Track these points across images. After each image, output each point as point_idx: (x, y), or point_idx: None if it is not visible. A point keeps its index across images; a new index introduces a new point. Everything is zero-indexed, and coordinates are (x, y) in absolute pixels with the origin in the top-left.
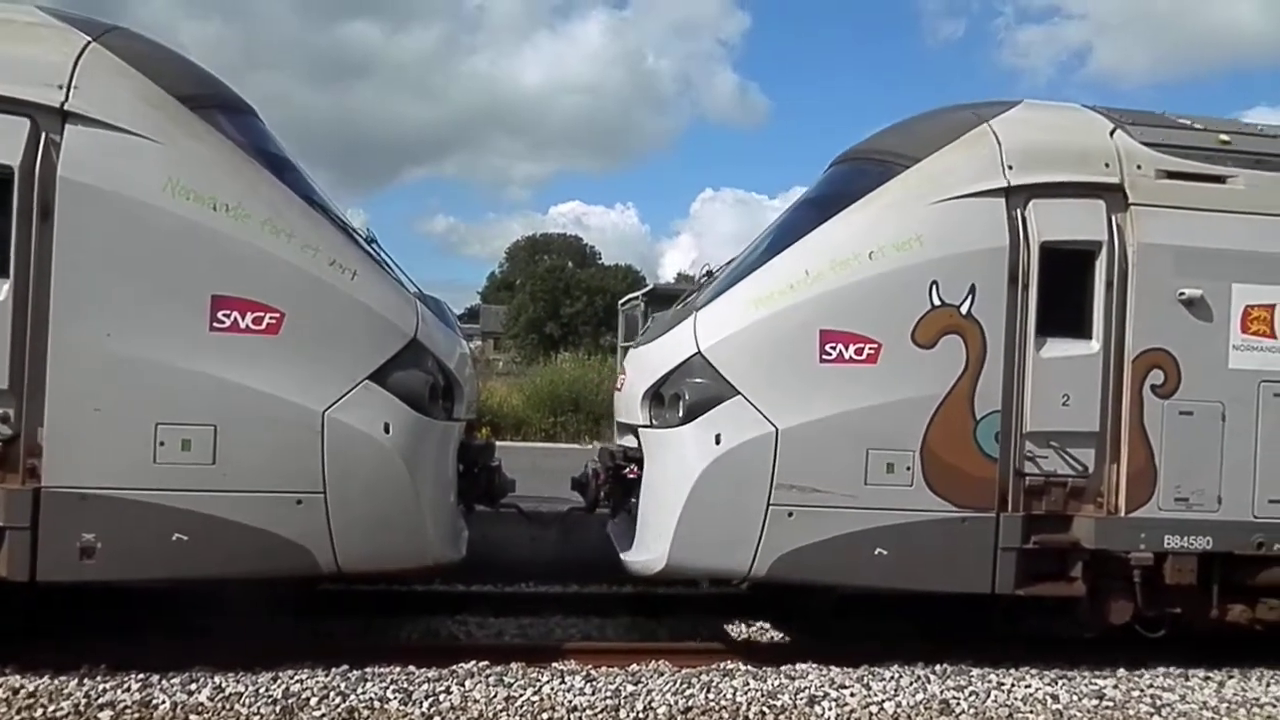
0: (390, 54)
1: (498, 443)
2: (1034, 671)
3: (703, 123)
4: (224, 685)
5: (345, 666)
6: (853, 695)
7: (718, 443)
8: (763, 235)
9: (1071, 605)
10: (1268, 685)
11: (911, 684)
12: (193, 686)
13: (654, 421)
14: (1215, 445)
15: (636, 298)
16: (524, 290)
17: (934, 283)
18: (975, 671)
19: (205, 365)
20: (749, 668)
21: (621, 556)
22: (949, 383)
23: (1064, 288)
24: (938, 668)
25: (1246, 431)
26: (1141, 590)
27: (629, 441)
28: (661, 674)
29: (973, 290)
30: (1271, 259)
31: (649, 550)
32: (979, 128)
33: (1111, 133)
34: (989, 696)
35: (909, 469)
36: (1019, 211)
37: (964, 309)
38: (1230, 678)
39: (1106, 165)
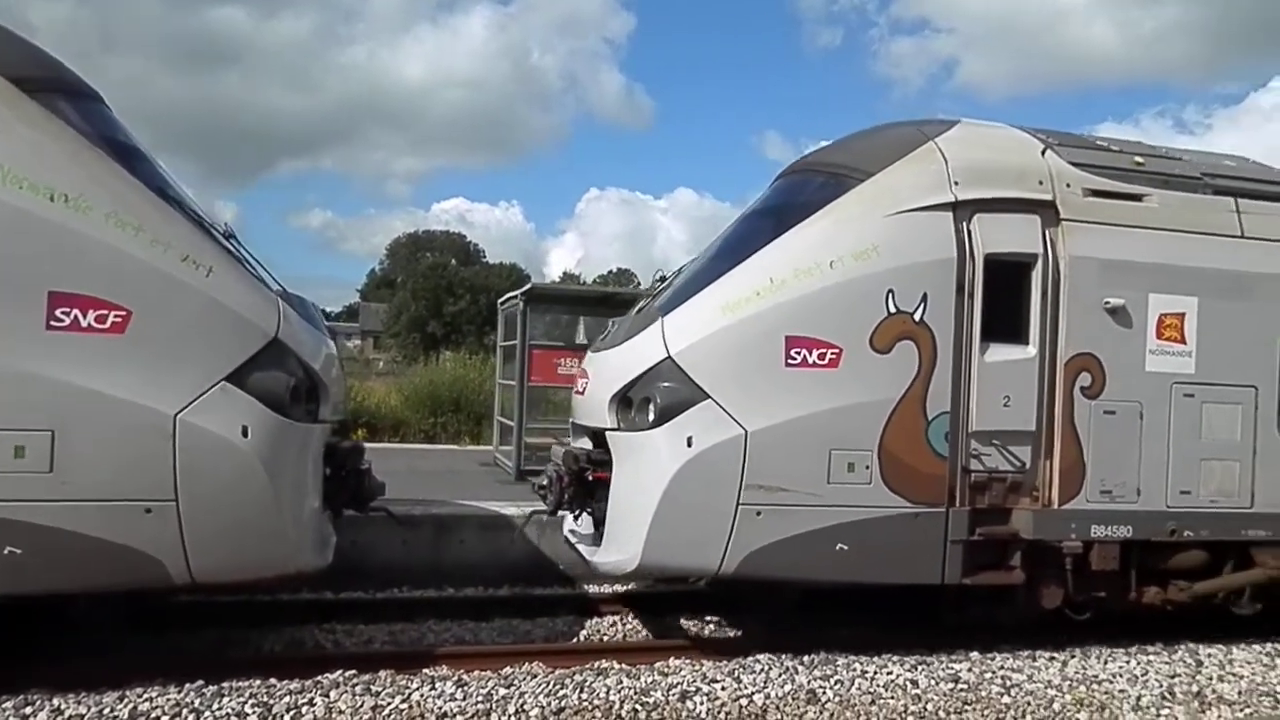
0: (261, 41)
1: (375, 445)
2: (896, 658)
3: (589, 122)
4: (63, 707)
5: (200, 682)
6: (723, 689)
7: (689, 445)
8: (717, 242)
9: (1010, 593)
10: (1105, 663)
11: (780, 676)
12: (28, 710)
13: (622, 425)
14: (1135, 442)
15: (515, 297)
16: (405, 288)
17: (890, 291)
18: (841, 661)
19: (40, 366)
20: (623, 666)
21: (588, 558)
22: (904, 386)
23: (1004, 297)
24: (806, 659)
25: (1161, 429)
26: (1072, 577)
27: (585, 444)
28: (535, 675)
29: (925, 298)
30: (1181, 271)
31: (620, 551)
32: (926, 145)
33: (1043, 152)
34: (853, 684)
35: (868, 468)
36: (965, 225)
37: (917, 316)
38: (1073, 657)
39: (1040, 183)
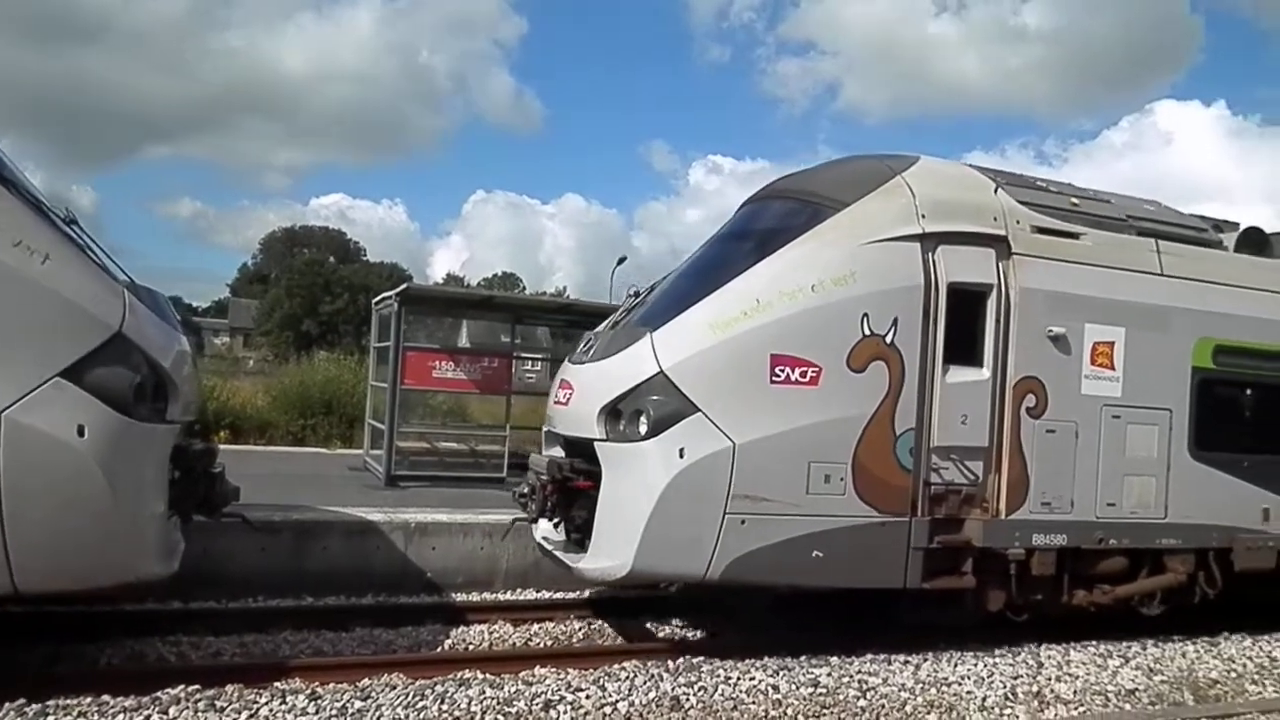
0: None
1: (238, 447)
2: (759, 664)
3: (478, 123)
4: None
5: (22, 701)
6: (588, 697)
7: (681, 456)
8: (695, 261)
9: (960, 596)
10: (954, 666)
11: (645, 683)
12: None
13: (610, 436)
14: (1070, 458)
15: (390, 298)
16: (280, 284)
17: (865, 314)
18: (706, 667)
19: None
20: (486, 675)
21: (572, 565)
22: (875, 403)
23: (963, 323)
24: (671, 664)
25: (1092, 447)
26: (1015, 581)
27: (558, 452)
28: (394, 687)
29: (895, 322)
30: (1112, 304)
31: (610, 557)
32: (895, 179)
33: (995, 191)
34: (716, 690)
35: (842, 480)
36: (930, 255)
37: (888, 339)
38: (925, 661)
39: (995, 219)
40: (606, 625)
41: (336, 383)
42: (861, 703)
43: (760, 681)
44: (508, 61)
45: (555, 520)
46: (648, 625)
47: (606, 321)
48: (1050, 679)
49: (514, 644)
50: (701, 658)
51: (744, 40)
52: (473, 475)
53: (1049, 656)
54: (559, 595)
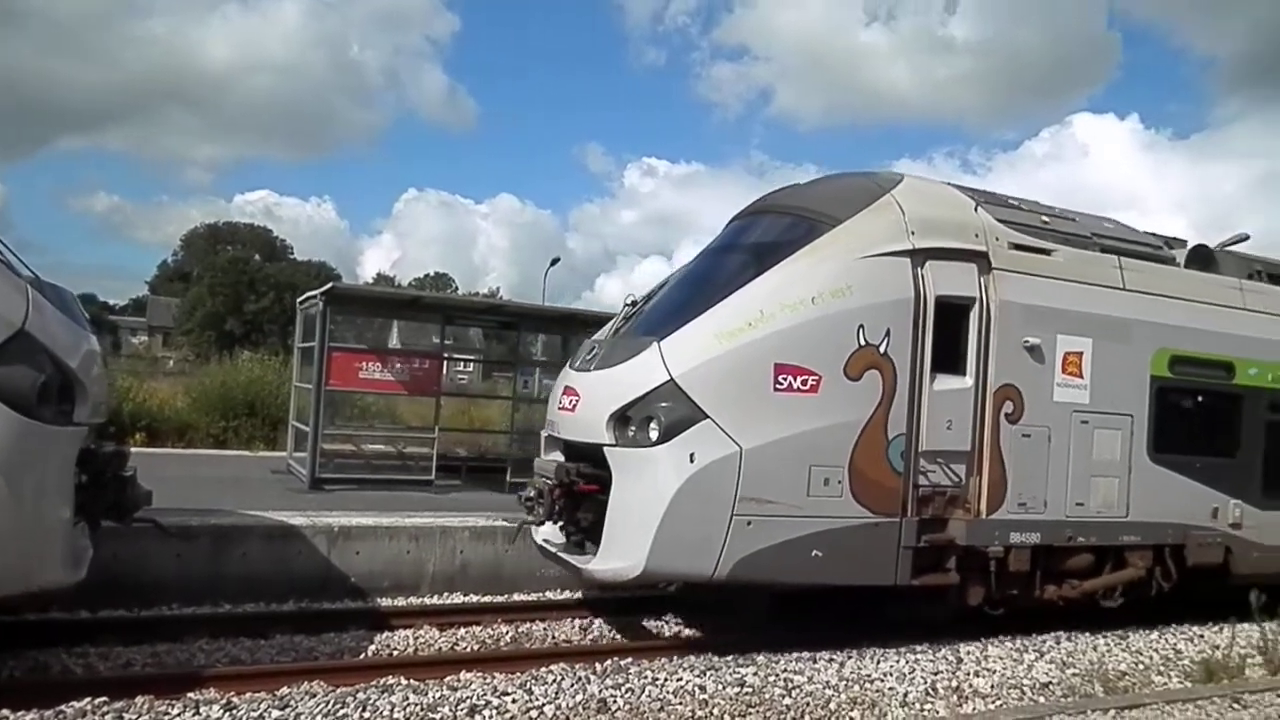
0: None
1: (155, 450)
2: (687, 664)
3: (410, 120)
4: None
5: None
6: (514, 702)
7: (692, 461)
8: (693, 272)
9: (944, 592)
10: (877, 663)
11: (572, 686)
12: None
13: (619, 441)
14: (1044, 461)
15: (315, 297)
16: (202, 282)
17: (860, 326)
18: (634, 669)
19: None
20: (410, 681)
21: (581, 566)
22: (870, 410)
23: (948, 334)
24: (598, 666)
25: (1063, 450)
26: (994, 577)
27: (557, 456)
28: (314, 695)
29: (888, 333)
30: (1081, 316)
31: (622, 559)
32: (885, 197)
33: (975, 209)
34: (644, 692)
35: (840, 482)
36: (919, 270)
37: (882, 349)
38: (850, 658)
39: (976, 235)
40: (534, 628)
41: (260, 383)
42: (787, 701)
43: (687, 682)
44: (441, 58)
45: (560, 523)
46: (577, 626)
47: (606, 329)
48: (969, 674)
49: (440, 649)
50: (630, 659)
51: (679, 44)
52: (401, 478)
53: (968, 652)
54: (486, 599)
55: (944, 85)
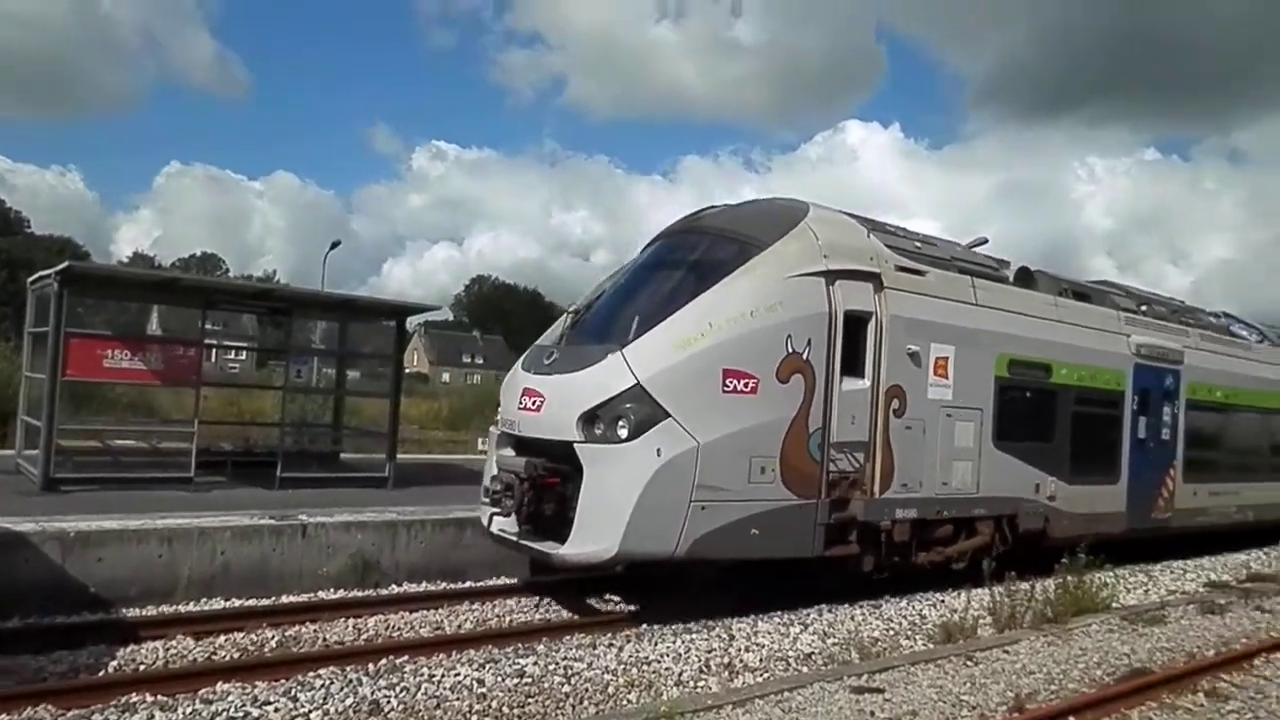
0: None
1: None
2: (465, 658)
3: (173, 87)
4: None
5: None
6: (277, 710)
7: (658, 455)
8: (632, 284)
9: (846, 561)
10: (655, 645)
11: (342, 689)
12: None
13: (587, 438)
14: (920, 449)
15: (48, 277)
16: None
17: (789, 336)
18: (410, 667)
19: None
20: (158, 697)
21: (554, 552)
22: (795, 408)
23: (852, 342)
24: (371, 667)
25: (934, 439)
26: (884, 548)
27: (509, 452)
28: None
29: (809, 342)
30: (947, 328)
31: (595, 543)
32: (801, 224)
33: (868, 235)
34: (419, 690)
35: (773, 470)
36: (831, 288)
37: (804, 355)
38: (629, 641)
39: (871, 259)
40: (304, 631)
41: None
42: (566, 689)
43: (465, 676)
44: (209, 22)
45: (519, 514)
46: (351, 627)
47: (551, 334)
48: (740, 650)
49: (195, 659)
50: (406, 656)
51: (471, 26)
52: (155, 476)
53: (739, 629)
54: (250, 603)
55: (730, 85)
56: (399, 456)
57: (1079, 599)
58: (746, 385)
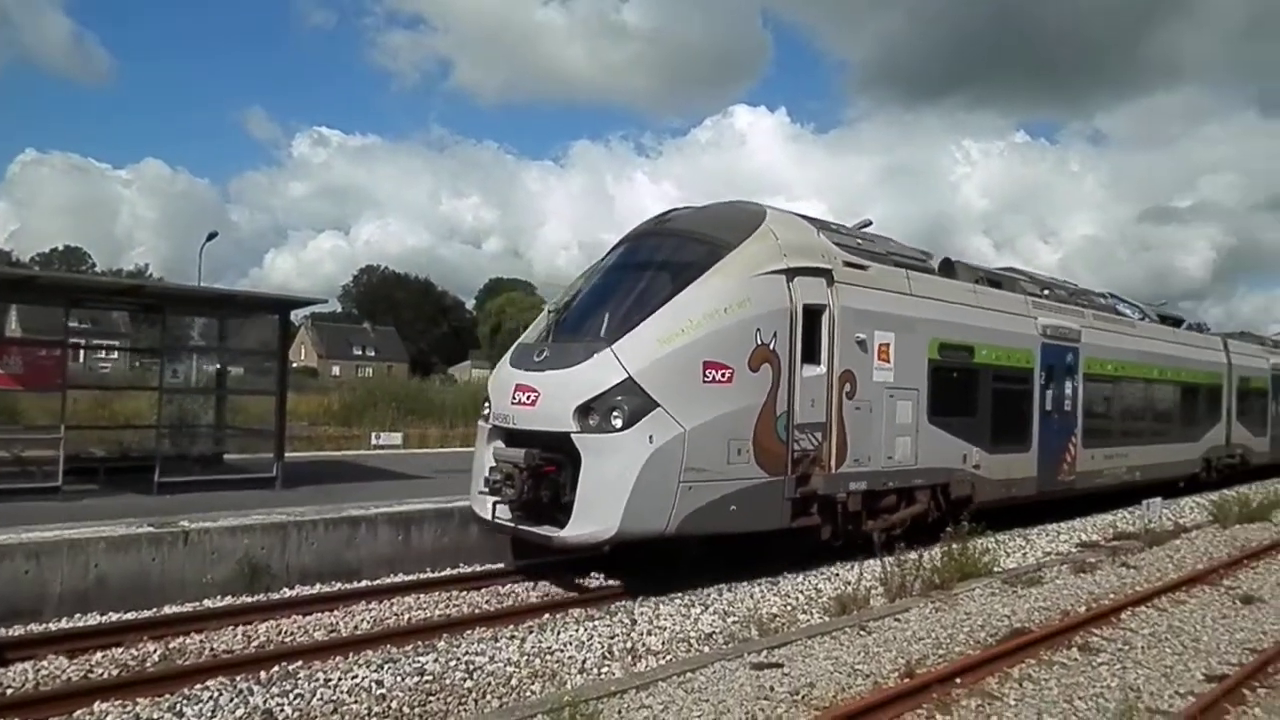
0: None
1: None
2: (363, 660)
3: (24, 70)
4: None
5: None
6: None
7: (651, 442)
8: (608, 284)
9: (808, 531)
10: (557, 634)
11: (232, 700)
12: None
13: (583, 429)
14: (869, 427)
15: None
16: None
17: (758, 329)
18: (304, 672)
19: None
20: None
21: (555, 534)
22: (765, 394)
23: (810, 333)
24: (264, 675)
25: (880, 418)
26: (840, 517)
27: (499, 444)
28: None
29: (775, 334)
30: (888, 316)
31: (596, 524)
32: (763, 225)
33: (818, 234)
34: (314, 695)
35: (747, 452)
36: (790, 284)
37: (771, 346)
38: (531, 633)
39: (823, 256)
40: (190, 642)
41: None
42: (469, 684)
43: (363, 678)
44: (62, 1)
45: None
46: (241, 634)
47: (533, 332)
48: (643, 634)
49: (69, 678)
50: (300, 662)
51: (350, 7)
52: (19, 486)
53: (642, 613)
54: (130, 616)
55: (619, 69)
56: (288, 455)
57: (963, 565)
58: (723, 375)
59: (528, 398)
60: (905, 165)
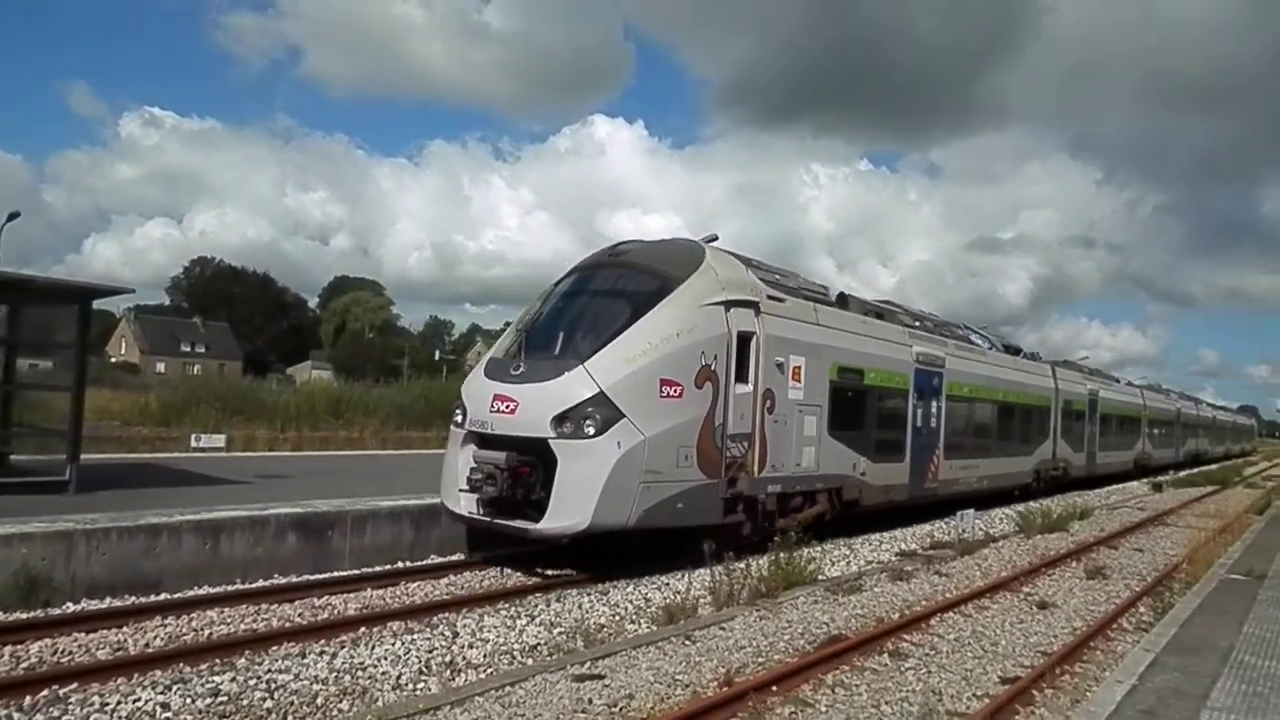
0: None
1: None
2: (149, 680)
3: None
4: None
5: None
6: None
7: (619, 447)
8: (571, 308)
9: (733, 527)
10: (372, 649)
11: None
12: None
13: (560, 435)
14: (783, 438)
15: None
16: None
17: (702, 352)
18: (75, 697)
19: None
20: None
21: (532, 526)
22: (707, 408)
23: (741, 356)
24: (27, 700)
25: (792, 430)
26: (759, 516)
27: (473, 447)
28: None
29: (715, 356)
30: (799, 343)
31: (570, 518)
32: (705, 262)
33: (748, 271)
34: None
35: (692, 457)
36: (727, 314)
37: (712, 367)
38: (343, 648)
39: (752, 290)
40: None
41: None
42: (268, 704)
43: (146, 701)
44: None
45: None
46: (9, 655)
47: (502, 345)
48: (463, 647)
49: None
50: (75, 684)
51: None
52: None
53: (464, 625)
54: None
55: (478, 70)
56: (91, 457)
57: (789, 573)
58: (676, 391)
59: (507, 406)
60: (758, 185)
